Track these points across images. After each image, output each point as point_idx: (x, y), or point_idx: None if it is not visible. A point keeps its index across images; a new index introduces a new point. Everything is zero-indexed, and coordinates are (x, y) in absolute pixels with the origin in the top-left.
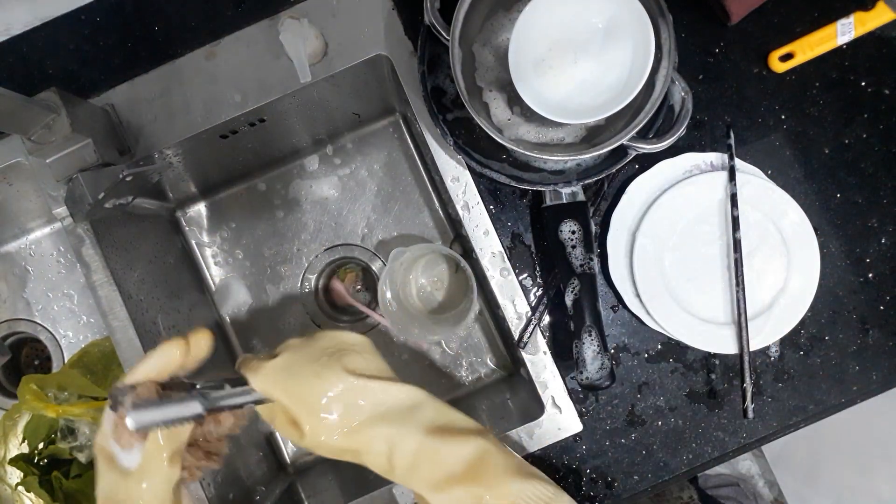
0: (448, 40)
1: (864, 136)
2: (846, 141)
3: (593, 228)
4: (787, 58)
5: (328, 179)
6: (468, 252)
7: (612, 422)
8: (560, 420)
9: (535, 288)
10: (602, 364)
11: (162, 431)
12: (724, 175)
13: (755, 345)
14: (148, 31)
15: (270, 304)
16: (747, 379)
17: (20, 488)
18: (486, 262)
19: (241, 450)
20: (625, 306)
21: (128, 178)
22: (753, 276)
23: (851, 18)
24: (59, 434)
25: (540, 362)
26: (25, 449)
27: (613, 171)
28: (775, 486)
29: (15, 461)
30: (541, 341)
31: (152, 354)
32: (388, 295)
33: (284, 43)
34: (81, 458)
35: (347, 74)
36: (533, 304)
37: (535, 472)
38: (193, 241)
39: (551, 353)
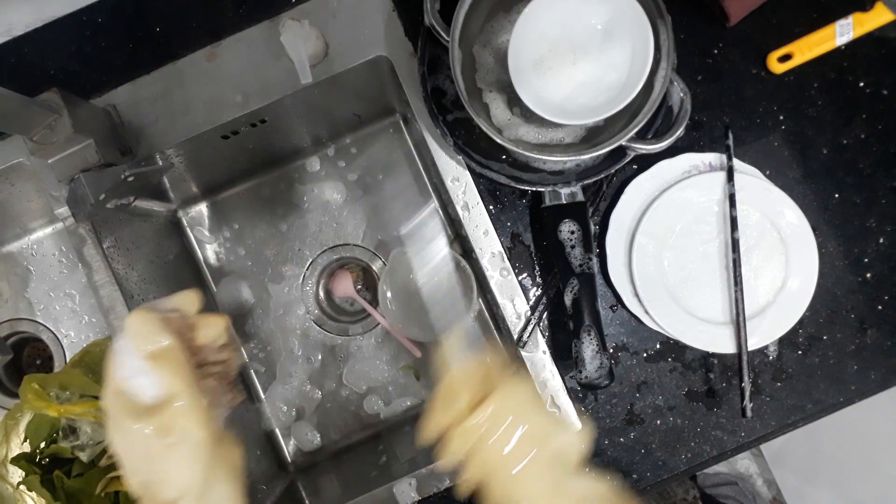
0: (448, 41)
1: (863, 136)
2: (844, 141)
3: (592, 228)
4: (785, 58)
5: (329, 180)
6: (468, 252)
7: (610, 421)
8: (559, 419)
9: (535, 288)
10: (601, 363)
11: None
12: (723, 175)
13: (753, 344)
14: (149, 32)
15: (272, 303)
16: (746, 378)
17: (22, 487)
18: (485, 262)
19: (241, 447)
20: (624, 306)
21: (129, 179)
22: (752, 276)
23: (850, 19)
24: (60, 433)
25: (539, 361)
26: (27, 448)
27: (612, 171)
28: (774, 484)
29: (17, 460)
30: (540, 341)
31: (174, 296)
32: (389, 294)
33: (285, 44)
34: (83, 457)
35: (348, 75)
36: (532, 304)
37: None
38: (195, 241)
39: (550, 352)
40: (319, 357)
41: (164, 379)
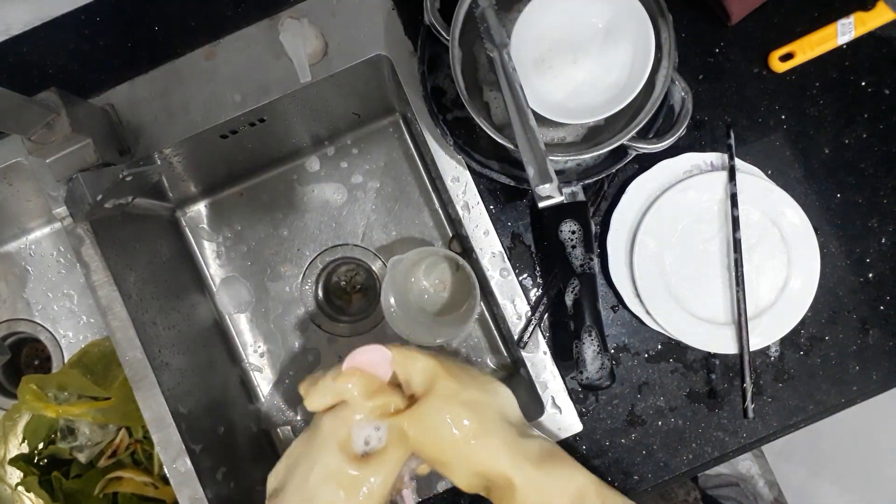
0: (448, 40)
1: (864, 135)
2: (846, 141)
3: (593, 228)
4: (787, 58)
5: (328, 180)
6: (468, 252)
7: (612, 422)
8: (560, 420)
9: (535, 288)
10: (602, 364)
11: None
12: (724, 175)
13: (755, 345)
14: (148, 31)
15: (271, 303)
16: (747, 379)
17: (20, 488)
18: (486, 262)
19: (240, 447)
20: (625, 306)
21: (128, 178)
22: (753, 276)
23: (851, 18)
24: (59, 434)
25: (540, 362)
26: (25, 449)
27: (613, 171)
28: (775, 486)
29: (15, 461)
30: (541, 341)
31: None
32: (392, 301)
33: (284, 43)
34: (81, 458)
35: (347, 74)
36: (533, 304)
37: None
38: (193, 241)
39: (551, 353)
40: (319, 356)
41: (386, 452)
